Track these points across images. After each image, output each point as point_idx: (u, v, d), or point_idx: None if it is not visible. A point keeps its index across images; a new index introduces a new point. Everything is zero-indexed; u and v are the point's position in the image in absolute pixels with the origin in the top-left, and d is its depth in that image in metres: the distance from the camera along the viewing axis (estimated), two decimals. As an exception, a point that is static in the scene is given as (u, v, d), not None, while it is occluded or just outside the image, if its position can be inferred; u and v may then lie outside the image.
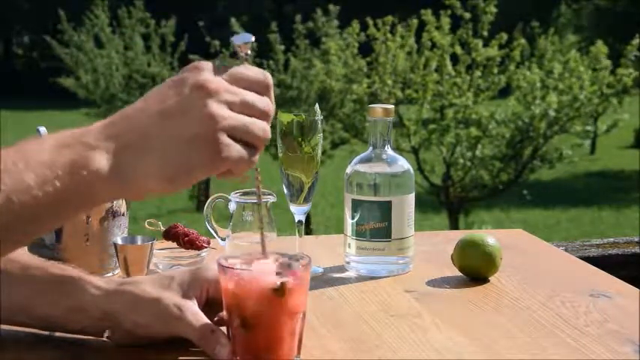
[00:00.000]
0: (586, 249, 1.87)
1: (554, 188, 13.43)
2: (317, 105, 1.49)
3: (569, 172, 13.98)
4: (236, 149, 0.91)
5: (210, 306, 1.13)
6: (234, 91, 0.92)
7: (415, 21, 9.60)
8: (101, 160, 0.89)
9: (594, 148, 16.01)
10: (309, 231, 9.24)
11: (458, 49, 9.41)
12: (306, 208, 1.50)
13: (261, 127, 0.93)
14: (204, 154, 0.90)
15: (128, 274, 1.36)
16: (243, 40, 0.97)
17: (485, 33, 9.45)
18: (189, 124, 0.89)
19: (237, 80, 0.93)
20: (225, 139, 0.90)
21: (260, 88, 0.94)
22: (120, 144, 0.90)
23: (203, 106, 0.90)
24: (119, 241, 1.38)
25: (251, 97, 0.93)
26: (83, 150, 0.89)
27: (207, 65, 0.92)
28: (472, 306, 1.31)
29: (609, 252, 1.87)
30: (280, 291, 1.03)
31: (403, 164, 1.49)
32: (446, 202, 9.79)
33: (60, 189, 0.88)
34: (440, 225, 10.33)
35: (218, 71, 0.93)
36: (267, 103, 0.94)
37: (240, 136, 0.91)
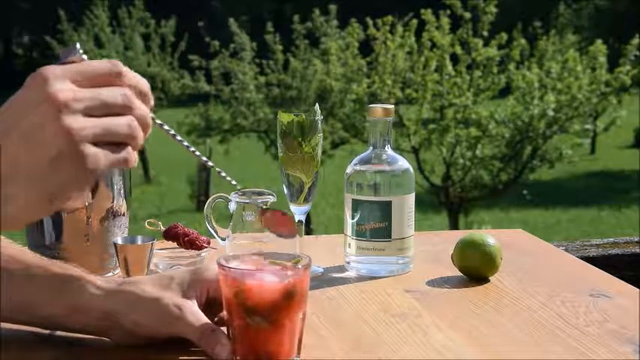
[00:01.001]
0: (586, 249, 1.86)
1: (554, 188, 13.42)
2: (317, 105, 1.49)
3: (569, 172, 13.97)
4: (104, 156, 0.85)
5: (210, 306, 1.13)
6: (85, 95, 0.85)
7: (415, 21, 9.60)
8: None
9: (594, 147, 16.01)
10: (309, 231, 9.24)
11: (458, 49, 9.42)
12: (306, 208, 1.50)
13: (125, 123, 0.86)
14: (72, 171, 0.84)
15: (128, 274, 1.35)
16: (72, 53, 0.89)
17: (486, 33, 9.45)
18: (49, 144, 0.83)
19: (86, 79, 0.86)
20: (88, 149, 0.84)
21: (112, 80, 0.87)
22: None
23: (57, 123, 0.83)
24: (119, 241, 1.38)
25: (105, 93, 0.86)
26: None
27: (51, 71, 0.85)
28: (472, 306, 1.31)
29: (609, 252, 1.86)
30: (290, 296, 1.04)
31: (403, 164, 1.49)
32: (446, 202, 9.79)
33: None
34: (440, 225, 10.33)
35: (61, 67, 0.85)
36: (123, 94, 0.87)
37: (106, 140, 0.85)
